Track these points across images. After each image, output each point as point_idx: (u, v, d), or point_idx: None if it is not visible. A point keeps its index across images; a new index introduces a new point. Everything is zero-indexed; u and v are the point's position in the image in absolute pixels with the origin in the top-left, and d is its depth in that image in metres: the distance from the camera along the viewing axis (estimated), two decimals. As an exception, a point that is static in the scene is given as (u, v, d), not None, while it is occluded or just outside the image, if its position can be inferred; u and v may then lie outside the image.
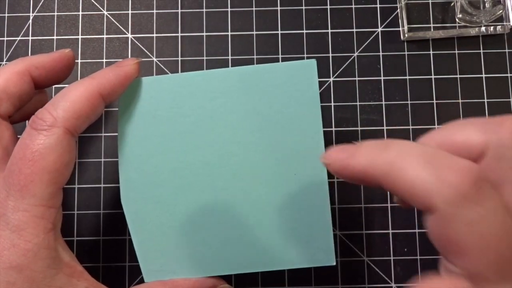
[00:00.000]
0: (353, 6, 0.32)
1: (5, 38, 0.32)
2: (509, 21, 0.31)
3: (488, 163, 0.18)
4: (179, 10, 0.32)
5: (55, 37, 0.32)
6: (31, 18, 0.32)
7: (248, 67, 0.27)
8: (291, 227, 0.26)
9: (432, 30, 0.32)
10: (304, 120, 0.26)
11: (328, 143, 0.31)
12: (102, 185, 0.30)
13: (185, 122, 0.26)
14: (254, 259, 0.26)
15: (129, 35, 0.32)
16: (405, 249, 0.30)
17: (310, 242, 0.26)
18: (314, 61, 0.26)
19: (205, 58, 0.32)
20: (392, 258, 0.30)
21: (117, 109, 0.31)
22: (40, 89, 0.26)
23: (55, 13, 0.32)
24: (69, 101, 0.23)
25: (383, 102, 0.31)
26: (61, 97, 0.23)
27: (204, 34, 0.32)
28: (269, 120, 0.26)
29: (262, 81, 0.26)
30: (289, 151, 0.26)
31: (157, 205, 0.26)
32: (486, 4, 0.31)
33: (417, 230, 0.30)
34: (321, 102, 0.31)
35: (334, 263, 0.25)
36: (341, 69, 0.32)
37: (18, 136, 0.24)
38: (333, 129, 0.31)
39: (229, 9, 0.32)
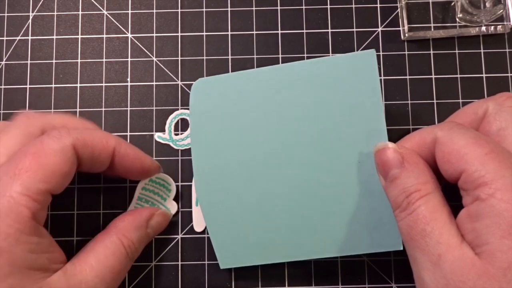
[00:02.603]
0: (353, 6, 0.32)
1: (5, 38, 0.32)
2: (509, 21, 0.31)
3: (489, 118, 0.25)
4: (179, 10, 0.32)
5: (54, 37, 0.32)
6: (30, 17, 0.32)
7: (308, 61, 0.27)
8: (357, 214, 0.27)
9: (432, 29, 0.32)
10: (366, 108, 0.27)
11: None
12: (102, 185, 0.30)
13: (251, 116, 0.27)
14: (323, 246, 0.27)
15: (129, 35, 0.32)
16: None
17: (377, 228, 0.26)
18: (373, 51, 0.27)
19: (205, 58, 0.32)
20: (392, 258, 0.30)
21: (116, 108, 0.31)
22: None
23: (55, 13, 0.32)
24: (87, 136, 0.25)
25: (383, 102, 0.31)
26: (82, 130, 0.25)
27: (204, 34, 0.32)
28: (332, 111, 0.27)
29: (322, 74, 0.27)
30: (352, 140, 0.27)
31: (228, 196, 0.27)
32: (487, 4, 0.31)
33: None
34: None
35: (402, 248, 0.26)
36: (341, 69, 0.32)
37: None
38: (333, 129, 0.31)
39: (229, 9, 0.32)
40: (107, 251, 0.25)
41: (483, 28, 0.31)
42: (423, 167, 0.24)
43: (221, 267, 0.28)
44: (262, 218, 0.27)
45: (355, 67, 0.27)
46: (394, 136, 0.31)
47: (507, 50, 0.32)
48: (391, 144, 0.25)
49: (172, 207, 0.29)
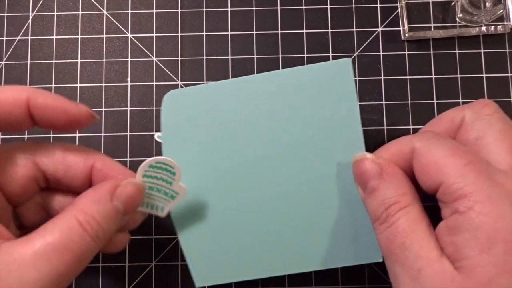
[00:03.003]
0: (353, 6, 0.32)
1: (5, 38, 0.32)
2: (509, 21, 0.31)
3: (466, 126, 0.24)
4: (179, 10, 0.32)
5: (54, 37, 0.32)
6: (30, 17, 0.32)
7: (283, 71, 0.27)
8: (336, 226, 0.26)
9: (432, 29, 0.32)
10: (342, 118, 0.26)
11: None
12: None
13: (226, 128, 0.27)
14: (303, 260, 0.26)
15: (129, 35, 0.32)
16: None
17: (356, 240, 0.26)
18: (348, 60, 0.26)
19: (205, 58, 0.32)
20: (392, 258, 0.30)
21: (116, 108, 0.31)
22: None
23: (55, 13, 0.32)
24: None
25: (384, 102, 0.31)
26: None
27: (204, 34, 0.32)
28: (308, 121, 0.26)
29: (298, 83, 0.26)
30: (330, 150, 0.26)
31: (203, 210, 0.26)
32: (487, 4, 0.31)
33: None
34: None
35: (381, 260, 0.25)
36: (341, 69, 0.32)
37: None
38: (333, 129, 0.31)
39: (229, 9, 0.32)
40: (54, 227, 0.21)
41: (483, 28, 0.31)
42: (402, 178, 0.23)
43: (197, 285, 0.26)
44: (239, 232, 0.26)
45: (331, 76, 0.26)
46: (395, 136, 0.31)
47: (507, 50, 0.32)
48: (369, 155, 0.24)
49: (181, 190, 0.27)
